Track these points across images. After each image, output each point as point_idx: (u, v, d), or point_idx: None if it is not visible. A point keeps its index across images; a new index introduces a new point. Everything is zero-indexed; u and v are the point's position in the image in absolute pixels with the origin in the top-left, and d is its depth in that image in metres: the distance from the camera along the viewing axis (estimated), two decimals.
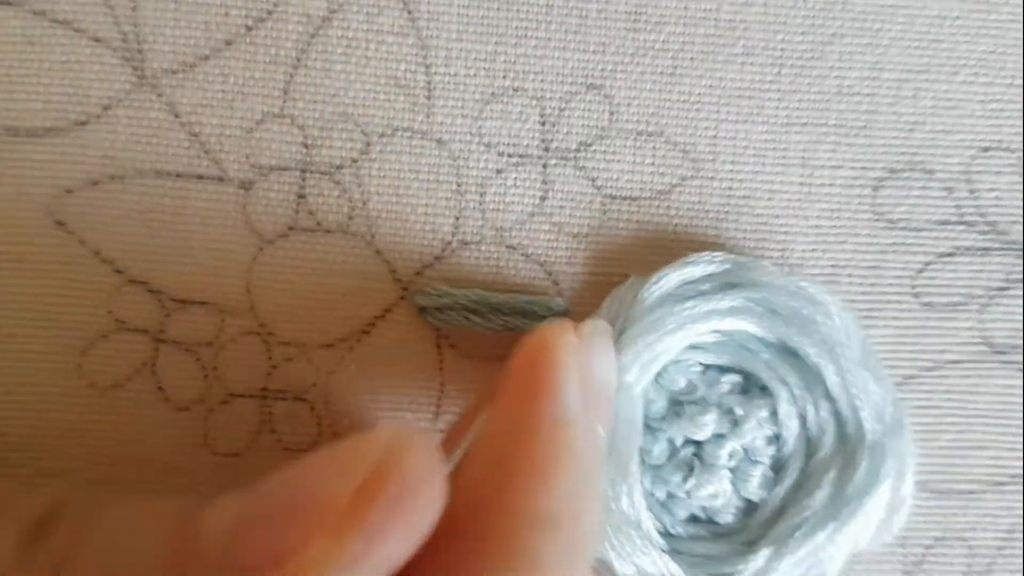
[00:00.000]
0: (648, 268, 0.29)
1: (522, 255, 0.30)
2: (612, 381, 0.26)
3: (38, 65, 0.29)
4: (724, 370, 0.29)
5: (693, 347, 0.29)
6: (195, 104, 0.29)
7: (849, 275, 0.30)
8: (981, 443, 0.31)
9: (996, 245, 0.31)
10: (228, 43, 0.29)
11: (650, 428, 0.29)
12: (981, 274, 0.31)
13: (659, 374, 0.29)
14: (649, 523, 0.28)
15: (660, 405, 0.29)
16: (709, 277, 0.29)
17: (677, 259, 0.29)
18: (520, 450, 0.21)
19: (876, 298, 0.30)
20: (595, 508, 0.23)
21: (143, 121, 0.29)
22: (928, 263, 0.30)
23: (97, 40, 0.29)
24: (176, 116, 0.29)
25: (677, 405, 0.29)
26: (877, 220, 0.30)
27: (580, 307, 0.30)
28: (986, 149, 0.31)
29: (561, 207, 0.30)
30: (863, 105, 0.30)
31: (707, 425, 0.28)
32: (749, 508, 0.29)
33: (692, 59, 0.30)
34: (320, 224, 0.30)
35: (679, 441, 0.29)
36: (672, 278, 0.29)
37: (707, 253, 0.29)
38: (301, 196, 0.30)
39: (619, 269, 0.30)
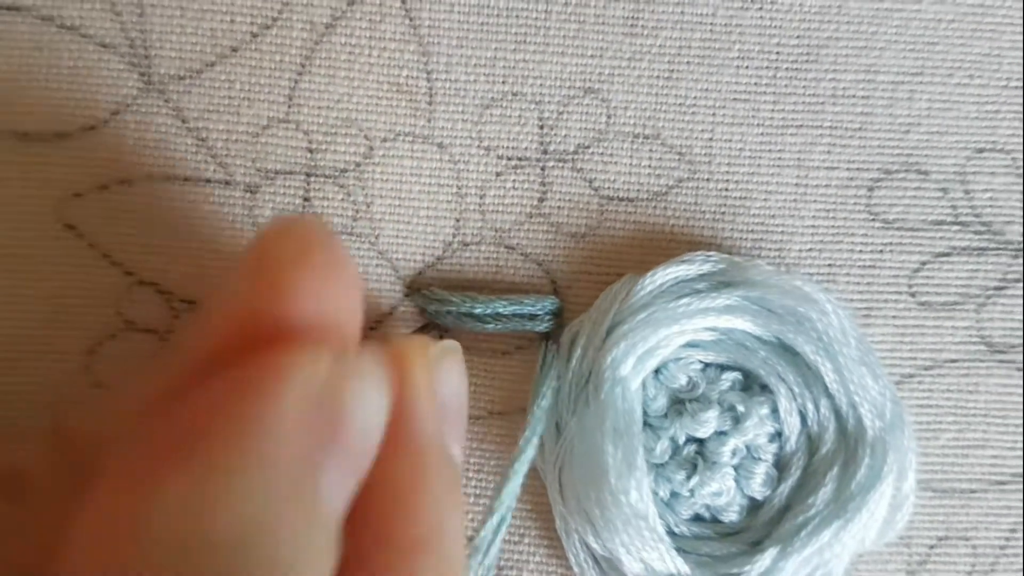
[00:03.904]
0: (644, 268, 0.30)
1: (521, 255, 0.30)
2: (463, 401, 0.25)
3: (46, 70, 0.29)
4: (724, 368, 0.30)
5: (692, 345, 0.29)
6: (202, 109, 0.30)
7: (846, 275, 0.31)
8: (981, 442, 0.31)
9: (992, 245, 0.31)
10: (234, 50, 0.30)
11: (652, 427, 0.29)
12: (977, 273, 0.31)
13: (659, 372, 0.29)
14: (655, 517, 0.28)
15: (661, 403, 0.29)
16: (703, 276, 0.29)
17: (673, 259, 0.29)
18: (380, 475, 0.21)
19: (873, 297, 0.31)
20: (459, 528, 0.22)
21: (151, 126, 0.30)
22: (924, 263, 0.31)
23: (104, 46, 0.30)
24: (183, 121, 0.30)
25: (678, 403, 0.29)
26: (873, 220, 0.31)
27: (577, 305, 0.30)
28: (981, 150, 0.31)
29: (559, 208, 0.30)
30: (858, 107, 0.31)
31: (709, 422, 0.29)
32: (753, 506, 0.29)
33: (688, 63, 0.31)
34: None
35: (681, 439, 0.29)
36: (666, 275, 0.29)
37: (701, 252, 0.29)
38: (306, 199, 0.30)
39: (616, 268, 0.30)
